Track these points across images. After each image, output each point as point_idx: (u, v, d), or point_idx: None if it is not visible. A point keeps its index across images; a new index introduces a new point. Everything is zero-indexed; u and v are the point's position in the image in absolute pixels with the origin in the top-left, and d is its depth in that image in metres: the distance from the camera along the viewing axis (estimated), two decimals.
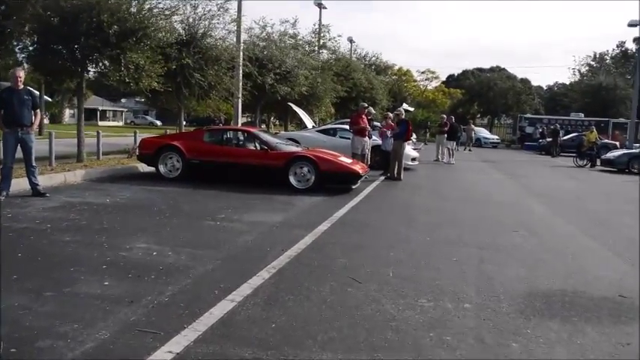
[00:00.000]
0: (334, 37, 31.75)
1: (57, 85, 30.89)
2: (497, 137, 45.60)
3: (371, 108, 14.94)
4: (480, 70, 78.25)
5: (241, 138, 11.70)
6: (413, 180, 13.95)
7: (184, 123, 47.03)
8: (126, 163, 12.79)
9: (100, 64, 12.55)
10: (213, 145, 11.28)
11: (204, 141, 11.31)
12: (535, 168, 21.94)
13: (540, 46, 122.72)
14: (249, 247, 5.93)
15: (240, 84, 18.21)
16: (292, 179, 10.54)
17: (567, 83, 67.63)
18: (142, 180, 10.99)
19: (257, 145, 11.10)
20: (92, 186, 9.86)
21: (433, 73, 64.58)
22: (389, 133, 14.35)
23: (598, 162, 23.32)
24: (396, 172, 13.75)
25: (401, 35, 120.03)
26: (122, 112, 73.25)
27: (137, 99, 72.58)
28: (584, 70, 65.30)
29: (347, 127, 19.12)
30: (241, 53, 17.98)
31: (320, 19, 32.65)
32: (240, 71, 18.15)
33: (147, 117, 72.13)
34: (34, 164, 8.44)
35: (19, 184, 8.75)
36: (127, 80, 12.20)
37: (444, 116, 23.43)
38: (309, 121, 22.20)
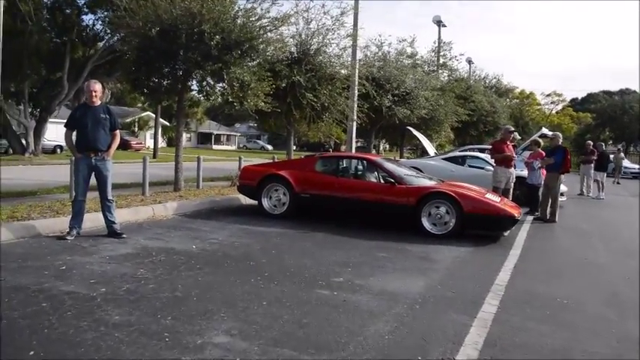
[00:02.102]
0: (455, 57, 29.29)
1: (154, 104, 30.89)
2: (638, 166, 40.15)
3: (516, 133, 12.32)
4: (608, 92, 71.79)
5: (361, 168, 9.61)
6: (568, 221, 11.10)
7: (294, 148, 46.43)
8: (226, 194, 11.14)
9: (203, 82, 11.05)
10: (326, 175, 9.26)
11: (316, 171, 9.33)
12: None
13: None
14: (387, 346, 3.72)
15: (355, 105, 16.27)
16: (426, 222, 8.26)
17: None
18: (241, 216, 9.21)
19: (380, 176, 8.94)
20: (182, 223, 8.17)
21: (559, 95, 59.54)
22: (537, 163, 11.62)
23: None
24: (549, 212, 11.01)
25: (517, 58, 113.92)
26: (236, 136, 74.61)
27: (250, 123, 74.06)
28: None
29: (477, 154, 16.74)
30: (357, 71, 16.07)
31: (439, 37, 30.36)
32: (356, 91, 16.24)
33: (259, 141, 73.00)
34: (110, 197, 6.85)
35: (98, 219, 7.21)
36: (231, 99, 10.61)
37: (590, 142, 20.01)
38: (430, 148, 19.75)
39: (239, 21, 10.50)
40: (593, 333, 4.30)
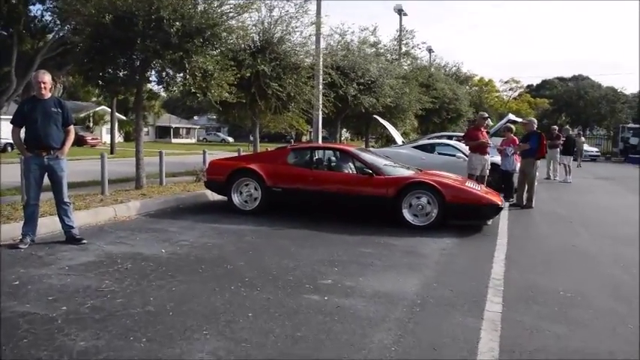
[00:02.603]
0: (417, 45, 29.12)
1: (110, 97, 29.71)
2: (596, 149, 40.99)
3: (490, 120, 12.04)
4: (562, 79, 73.30)
5: (336, 159, 9.14)
6: (543, 207, 10.90)
7: (252, 141, 45.95)
8: (192, 190, 10.51)
9: (163, 72, 10.35)
10: (300, 168, 8.76)
11: (288, 163, 8.81)
12: None
13: (621, 51, 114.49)
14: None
15: (321, 95, 15.78)
16: (407, 213, 7.87)
17: None
18: (210, 213, 8.65)
19: (356, 167, 8.50)
20: (147, 224, 7.55)
21: (517, 82, 60.37)
22: (510, 149, 11.37)
23: None
24: (525, 197, 10.81)
25: (472, 48, 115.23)
26: (195, 129, 73.15)
27: (209, 116, 72.62)
28: None
29: (447, 141, 16.51)
30: (321, 58, 15.56)
31: (400, 26, 30.10)
32: (321, 79, 15.74)
33: (219, 134, 71.76)
34: (66, 199, 6.20)
35: (55, 223, 6.55)
36: (193, 90, 9.97)
37: (556, 127, 20.05)
38: (398, 136, 19.46)
39: (200, 7, 9.86)
40: (612, 331, 3.96)
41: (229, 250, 6.12)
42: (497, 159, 11.97)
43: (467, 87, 44.87)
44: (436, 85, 29.63)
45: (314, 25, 15.48)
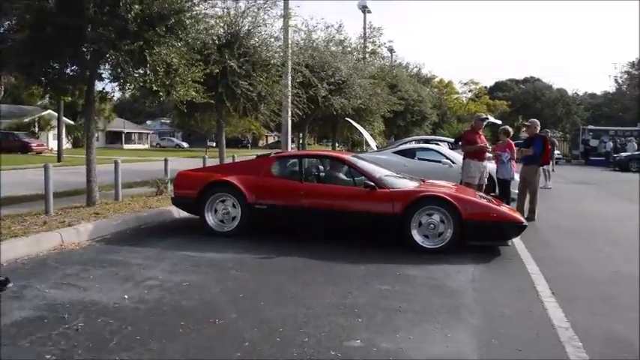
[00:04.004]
0: (384, 44, 28.14)
1: (54, 98, 27.58)
2: (558, 152, 41.02)
3: (492, 119, 10.91)
4: (514, 81, 74.15)
5: (329, 169, 7.81)
6: (545, 218, 9.87)
7: (210, 146, 43.54)
8: (154, 206, 9.00)
9: (118, 68, 8.78)
10: (287, 180, 7.40)
11: (273, 175, 7.43)
12: None
13: (569, 55, 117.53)
14: None
15: (290, 94, 14.45)
16: (416, 234, 6.63)
17: (610, 92, 63.41)
18: (179, 236, 7.21)
19: (354, 179, 7.22)
20: (103, 254, 6.05)
21: (477, 84, 60.43)
22: (506, 154, 10.29)
23: None
24: (527, 208, 9.77)
25: (426, 50, 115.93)
26: (148, 134, 70.40)
27: (163, 120, 70.11)
28: (622, 79, 61.29)
29: (428, 146, 15.43)
30: (290, 53, 14.24)
31: (364, 24, 29.06)
32: (289, 77, 14.42)
33: (173, 139, 69.34)
34: None
35: None
36: (155, 88, 8.49)
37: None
38: (372, 141, 18.29)
39: None
40: None
41: (213, 292, 4.73)
42: (491, 166, 10.93)
43: (428, 89, 44.38)
44: (401, 86, 28.74)
45: (283, 19, 14.24)
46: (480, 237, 6.71)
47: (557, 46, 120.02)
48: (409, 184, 7.31)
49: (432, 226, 6.62)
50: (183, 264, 5.66)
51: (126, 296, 4.49)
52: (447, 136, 26.17)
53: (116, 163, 9.78)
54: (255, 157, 8.52)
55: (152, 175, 12.36)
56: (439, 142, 16.94)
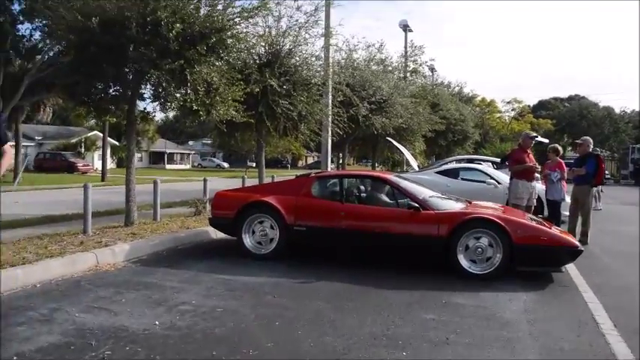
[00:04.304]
0: (426, 62, 27.79)
1: (98, 118, 28.14)
2: (607, 172, 39.64)
3: (541, 137, 10.38)
4: (558, 99, 72.52)
5: (372, 190, 7.51)
6: (598, 242, 9.29)
7: (250, 166, 43.69)
8: (192, 226, 8.89)
9: (159, 87, 8.75)
10: (328, 201, 7.13)
11: (313, 195, 7.17)
12: None
13: (614, 71, 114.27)
14: None
15: (330, 113, 14.23)
16: (462, 259, 6.27)
17: None
18: (215, 257, 7.03)
19: (397, 200, 6.91)
20: (137, 276, 5.90)
21: (520, 102, 59.25)
22: (555, 174, 9.79)
23: None
24: (579, 231, 9.24)
25: (466, 70, 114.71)
26: (189, 154, 71.54)
27: (204, 140, 71.12)
28: None
29: (472, 165, 14.98)
30: (331, 71, 14.03)
31: (405, 42, 28.83)
32: (330, 97, 14.22)
33: (214, 159, 70.17)
34: None
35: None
36: (195, 107, 8.42)
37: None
38: (414, 161, 17.90)
39: (202, 10, 8.39)
40: None
41: (248, 319, 4.49)
42: (540, 186, 10.44)
43: (470, 108, 43.72)
44: (443, 105, 28.28)
45: (324, 38, 14.10)
46: (532, 262, 6.28)
47: (601, 63, 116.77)
48: (455, 206, 6.96)
49: (479, 250, 6.25)
50: (218, 288, 5.45)
51: (157, 322, 4.29)
52: (490, 156, 25.58)
53: (155, 182, 9.74)
54: (294, 177, 8.31)
55: (192, 195, 12.32)
56: (482, 162, 16.47)
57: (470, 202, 7.47)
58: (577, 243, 6.44)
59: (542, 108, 67.90)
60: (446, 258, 6.32)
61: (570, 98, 70.63)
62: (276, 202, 6.95)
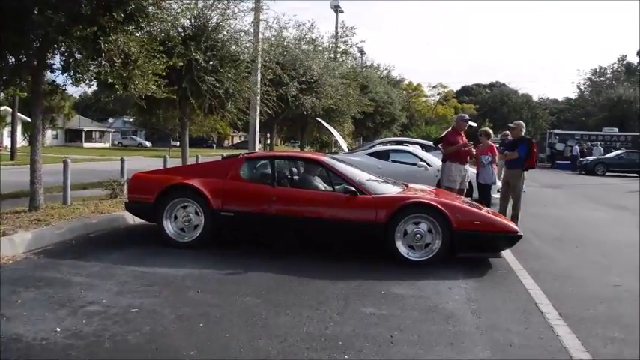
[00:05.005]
0: (357, 44, 27.49)
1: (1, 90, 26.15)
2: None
3: (471, 121, 10.21)
4: (480, 85, 74.76)
5: (305, 172, 7.05)
6: (529, 226, 9.27)
7: (173, 145, 41.94)
8: (107, 211, 8.10)
9: (70, 57, 7.84)
10: (258, 185, 6.61)
11: (241, 178, 6.60)
12: (612, 195, 17.41)
13: (533, 61, 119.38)
14: None
15: (259, 92, 13.60)
16: (401, 245, 5.96)
17: (572, 98, 64.76)
18: (132, 246, 6.36)
19: (332, 183, 6.49)
20: (38, 270, 5.14)
21: (445, 87, 60.54)
22: (487, 157, 9.71)
23: None
24: (510, 214, 9.18)
25: (389, 50, 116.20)
26: (109, 132, 68.33)
27: (125, 118, 68.07)
28: (584, 85, 62.72)
29: (403, 147, 14.85)
30: (260, 48, 13.39)
31: (337, 23, 28.46)
32: (259, 75, 13.59)
33: (135, 138, 67.35)
34: None
35: None
36: (111, 80, 7.62)
37: (508, 133, 18.81)
38: (344, 143, 17.59)
39: None
40: None
41: (167, 320, 3.93)
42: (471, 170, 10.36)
43: (397, 91, 44.13)
44: (372, 87, 28.24)
45: (254, 13, 13.41)
46: (472, 248, 6.06)
47: (521, 53, 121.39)
48: (392, 190, 6.62)
49: (418, 236, 5.95)
50: (133, 283, 4.83)
51: (58, 328, 3.65)
52: (416, 138, 25.80)
53: (65, 162, 8.81)
54: (221, 157, 7.72)
55: (109, 176, 11.39)
56: (409, 145, 16.39)
57: (407, 186, 7.18)
58: (516, 228, 6.28)
59: (466, 93, 69.68)
60: (384, 244, 5.99)
61: (492, 85, 72.89)
62: (201, 185, 6.35)
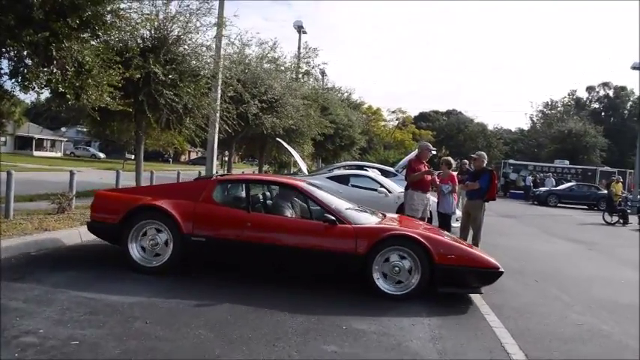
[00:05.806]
0: (319, 65, 27.54)
1: None
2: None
3: (433, 149, 10.16)
4: (437, 112, 76.32)
5: (281, 197, 6.73)
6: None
7: (128, 158, 40.85)
8: (53, 227, 7.60)
9: (19, 62, 7.40)
10: (231, 209, 6.26)
11: (214, 201, 6.24)
12: (568, 227, 17.80)
13: (489, 91, 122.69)
14: None
15: (219, 109, 13.28)
16: (378, 279, 5.74)
17: (525, 129, 66.83)
18: (78, 269, 5.90)
19: (310, 210, 6.21)
20: None
21: (404, 112, 61.40)
22: (447, 187, 9.64)
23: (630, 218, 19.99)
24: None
25: (350, 73, 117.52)
26: (62, 142, 66.19)
27: (79, 128, 66.11)
28: (536, 117, 64.80)
29: (362, 172, 14.75)
30: (221, 63, 13.12)
31: (299, 44, 28.41)
32: (220, 92, 13.31)
33: (89, 148, 65.47)
34: None
35: None
36: (62, 89, 7.21)
37: (466, 161, 18.96)
38: (303, 164, 17.40)
39: None
40: None
41: (111, 355, 3.58)
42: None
43: (357, 114, 44.43)
44: (332, 109, 28.27)
45: (217, 28, 13.15)
46: (452, 284, 5.88)
47: (477, 82, 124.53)
48: (371, 219, 6.38)
49: (396, 269, 5.74)
50: (76, 310, 4.43)
51: None
52: (374, 162, 25.84)
53: (9, 173, 8.28)
54: (194, 179, 7.34)
55: (58, 187, 10.80)
56: (367, 169, 16.35)
57: (385, 215, 6.97)
58: (498, 264, 6.11)
59: (423, 119, 70.98)
60: (360, 276, 5.76)
61: (449, 112, 74.47)
62: (171, 207, 5.94)
